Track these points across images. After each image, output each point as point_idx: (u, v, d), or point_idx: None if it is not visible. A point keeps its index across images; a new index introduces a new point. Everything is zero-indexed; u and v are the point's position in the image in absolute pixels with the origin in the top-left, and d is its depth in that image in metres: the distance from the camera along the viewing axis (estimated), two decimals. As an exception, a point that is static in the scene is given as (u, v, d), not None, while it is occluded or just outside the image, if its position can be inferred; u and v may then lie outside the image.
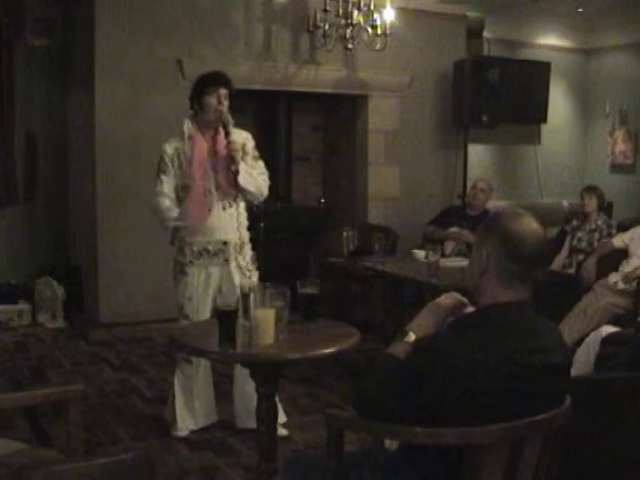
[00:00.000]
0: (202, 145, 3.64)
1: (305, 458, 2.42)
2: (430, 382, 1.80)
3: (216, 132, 3.66)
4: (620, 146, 8.05)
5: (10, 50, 6.15)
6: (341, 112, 7.06)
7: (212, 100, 3.58)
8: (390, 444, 2.14)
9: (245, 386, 3.62)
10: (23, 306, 6.01)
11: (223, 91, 3.60)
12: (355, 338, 2.63)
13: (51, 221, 6.50)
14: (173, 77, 5.81)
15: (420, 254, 4.83)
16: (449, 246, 5.60)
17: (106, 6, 5.58)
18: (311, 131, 7.28)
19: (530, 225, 1.90)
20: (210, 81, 3.63)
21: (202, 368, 3.79)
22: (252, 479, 3.16)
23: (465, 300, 2.05)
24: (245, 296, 2.67)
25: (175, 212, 3.65)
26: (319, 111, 7.29)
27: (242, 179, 3.59)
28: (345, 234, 4.80)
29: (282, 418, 3.71)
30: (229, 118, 3.62)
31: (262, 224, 4.36)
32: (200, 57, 5.86)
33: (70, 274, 6.21)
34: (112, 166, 5.66)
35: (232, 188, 3.65)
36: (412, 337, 2.01)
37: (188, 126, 3.67)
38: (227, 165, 3.60)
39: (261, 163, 3.78)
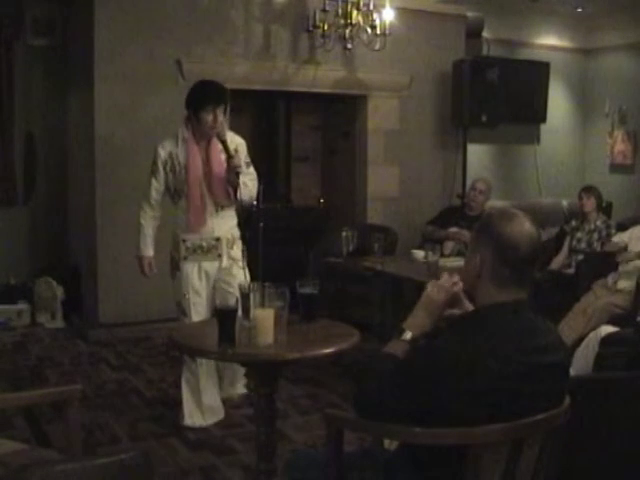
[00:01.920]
0: (196, 153, 3.73)
1: (305, 458, 2.42)
2: (429, 382, 1.80)
3: (209, 141, 3.74)
4: (619, 146, 8.05)
5: (9, 50, 6.15)
6: (340, 112, 7.06)
7: (208, 117, 3.65)
8: (390, 444, 2.14)
9: None
10: (22, 306, 6.00)
11: (219, 108, 3.66)
12: (354, 338, 2.63)
13: (50, 221, 6.50)
14: (172, 77, 5.81)
15: (419, 254, 4.83)
16: (448, 246, 5.59)
17: (105, 6, 5.58)
18: (310, 131, 7.28)
19: (523, 226, 1.89)
20: (207, 98, 3.66)
21: (205, 362, 3.82)
22: (251, 479, 3.16)
23: (457, 287, 2.02)
24: (245, 296, 2.67)
25: (146, 246, 3.89)
26: (318, 111, 7.29)
27: (241, 193, 3.70)
28: (344, 234, 4.80)
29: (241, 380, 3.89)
30: (224, 131, 3.69)
31: (261, 224, 4.37)
32: (199, 57, 5.86)
33: (69, 274, 6.21)
34: (111, 165, 5.65)
35: (227, 199, 3.77)
36: (408, 335, 2.00)
37: (183, 131, 3.76)
38: (222, 178, 3.70)
39: (252, 169, 3.86)
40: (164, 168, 3.76)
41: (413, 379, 1.84)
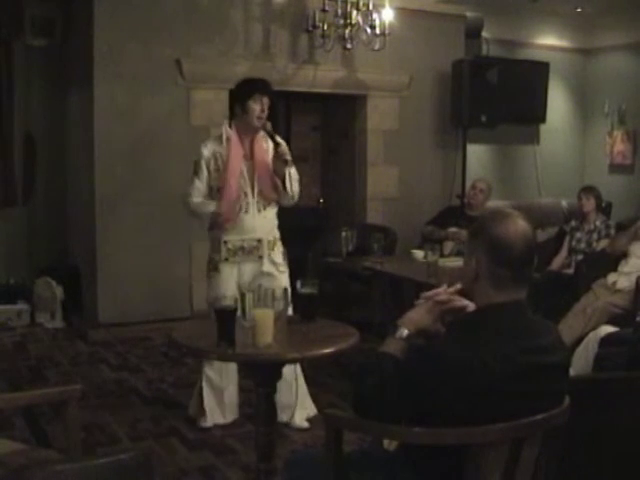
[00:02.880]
0: (238, 149, 3.72)
1: (304, 458, 2.42)
2: (429, 383, 1.80)
3: (254, 138, 3.75)
4: (619, 146, 8.05)
5: (9, 50, 6.15)
6: (340, 112, 7.06)
7: (256, 106, 3.66)
8: (389, 444, 2.14)
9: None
10: (22, 306, 6.00)
11: (266, 99, 3.69)
12: (354, 338, 2.63)
13: (50, 221, 6.50)
14: (172, 77, 5.81)
15: (419, 254, 4.83)
16: (448, 246, 5.60)
17: (105, 6, 5.58)
18: (310, 131, 7.28)
19: (516, 226, 1.89)
20: (256, 88, 3.71)
21: None
22: (251, 479, 3.16)
23: (464, 302, 2.04)
24: (244, 296, 2.67)
25: (211, 205, 3.72)
26: (318, 111, 7.29)
27: (288, 183, 3.70)
28: (344, 234, 4.80)
29: (312, 410, 3.89)
30: (269, 125, 3.69)
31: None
32: (199, 57, 5.86)
33: (69, 274, 6.20)
34: (111, 166, 5.65)
35: (273, 192, 3.75)
36: (404, 332, 2.00)
37: (226, 129, 3.76)
38: (267, 171, 3.70)
39: (294, 169, 3.82)
40: (207, 167, 3.73)
41: (413, 380, 1.83)
